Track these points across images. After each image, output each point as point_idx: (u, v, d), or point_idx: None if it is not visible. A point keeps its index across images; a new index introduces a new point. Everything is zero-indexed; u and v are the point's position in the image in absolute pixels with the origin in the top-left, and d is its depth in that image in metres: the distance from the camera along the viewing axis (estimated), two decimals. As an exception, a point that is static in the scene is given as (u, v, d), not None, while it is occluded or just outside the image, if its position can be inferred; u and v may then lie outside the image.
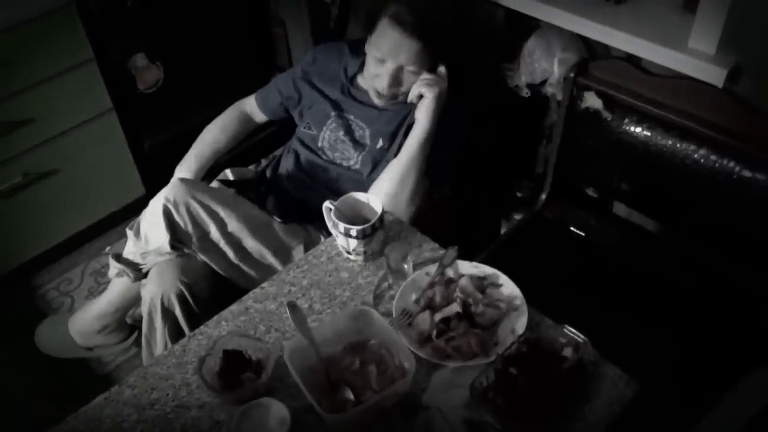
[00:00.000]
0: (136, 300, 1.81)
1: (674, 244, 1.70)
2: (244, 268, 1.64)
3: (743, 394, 1.35)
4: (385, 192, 1.59)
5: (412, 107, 1.67)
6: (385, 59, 1.65)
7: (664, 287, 1.60)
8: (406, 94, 1.67)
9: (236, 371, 1.12)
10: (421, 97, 1.63)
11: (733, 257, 1.57)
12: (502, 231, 2.03)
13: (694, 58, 1.44)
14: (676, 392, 1.39)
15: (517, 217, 1.99)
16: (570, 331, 1.13)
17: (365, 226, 1.27)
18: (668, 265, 1.65)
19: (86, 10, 2.02)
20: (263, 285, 1.31)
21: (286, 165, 1.85)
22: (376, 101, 1.73)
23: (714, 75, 1.42)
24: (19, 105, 2.00)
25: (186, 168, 1.85)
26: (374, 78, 1.69)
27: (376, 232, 1.29)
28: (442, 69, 1.67)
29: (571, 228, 1.78)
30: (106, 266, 2.27)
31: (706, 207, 1.56)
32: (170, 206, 1.57)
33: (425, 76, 1.64)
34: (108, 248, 1.80)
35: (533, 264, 1.62)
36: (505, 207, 2.04)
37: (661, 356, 1.45)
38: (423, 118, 1.62)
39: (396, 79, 1.66)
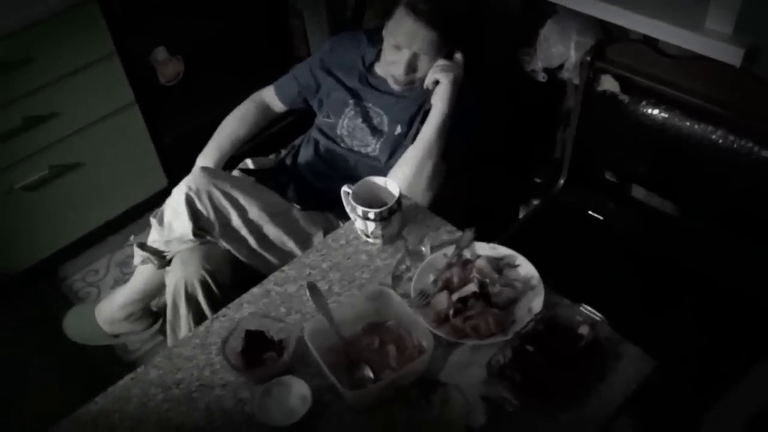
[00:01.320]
0: (160, 288, 1.85)
1: (692, 226, 1.70)
2: (265, 254, 1.67)
3: (759, 376, 1.35)
4: (403, 177, 1.61)
5: (429, 93, 1.68)
6: (401, 46, 1.66)
7: (682, 270, 1.60)
8: (423, 80, 1.69)
9: (258, 351, 1.15)
10: (437, 83, 1.65)
11: (752, 240, 1.56)
12: (520, 216, 2.04)
13: (711, 38, 1.44)
14: (690, 375, 1.39)
15: (535, 202, 1.99)
16: (587, 309, 1.14)
17: (383, 209, 1.29)
18: (686, 248, 1.64)
19: (107, 4, 2.05)
20: (283, 268, 1.34)
21: (306, 154, 1.87)
22: (394, 87, 1.75)
23: (731, 55, 1.42)
24: (43, 99, 2.04)
25: (207, 158, 1.88)
26: (391, 65, 1.71)
27: (394, 215, 1.31)
28: (458, 56, 1.68)
29: (590, 212, 1.79)
30: (131, 257, 2.31)
31: (725, 188, 1.56)
32: (193, 195, 1.60)
33: (441, 62, 1.66)
34: (132, 237, 1.83)
35: (551, 247, 1.62)
36: (523, 192, 2.04)
37: (677, 339, 1.45)
38: (440, 103, 1.63)
39: (412, 65, 1.68)
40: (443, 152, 1.65)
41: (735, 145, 1.48)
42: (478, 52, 1.74)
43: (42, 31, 1.94)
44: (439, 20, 1.61)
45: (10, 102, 1.97)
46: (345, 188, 1.36)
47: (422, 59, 1.67)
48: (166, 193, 1.71)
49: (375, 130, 1.78)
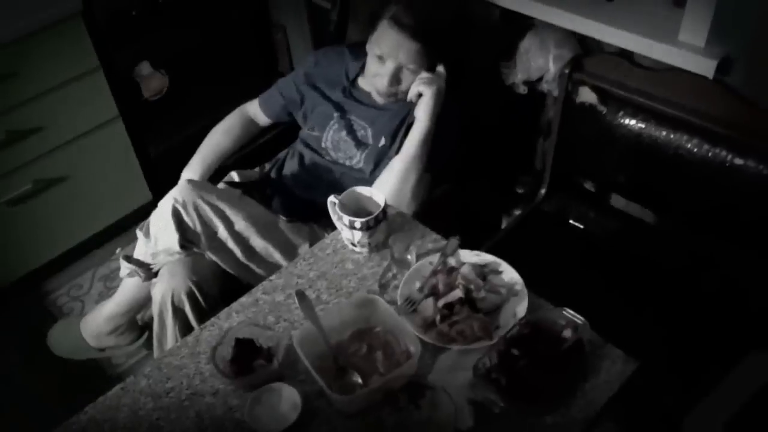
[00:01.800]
0: (146, 300, 1.85)
1: (670, 232, 1.74)
2: (252, 266, 1.68)
3: (739, 376, 1.39)
4: (388, 188, 1.63)
5: (412, 106, 1.72)
6: (385, 59, 1.69)
7: (662, 274, 1.64)
8: (406, 92, 1.72)
9: (248, 359, 1.16)
10: (420, 95, 1.68)
11: (727, 242, 1.61)
12: (503, 226, 2.07)
13: (684, 50, 1.49)
14: (673, 375, 1.43)
15: (518, 212, 2.03)
16: (569, 313, 1.16)
17: (369, 218, 1.31)
18: (665, 252, 1.69)
19: (92, 19, 2.07)
20: (271, 278, 1.35)
21: (291, 166, 1.89)
22: (377, 100, 1.78)
23: (704, 66, 1.47)
24: (27, 114, 2.04)
25: (192, 170, 1.89)
26: (375, 77, 1.74)
27: (380, 224, 1.34)
28: (440, 68, 1.71)
29: (571, 221, 1.82)
30: (115, 271, 2.33)
31: (700, 195, 1.60)
32: (179, 207, 1.61)
33: (424, 74, 1.69)
34: (118, 250, 1.84)
35: (534, 255, 1.65)
36: (506, 202, 2.08)
37: (659, 340, 1.49)
38: (422, 115, 1.66)
39: (396, 78, 1.71)
40: (426, 163, 1.68)
41: (709, 154, 1.53)
42: (461, 64, 1.78)
43: (27, 46, 1.95)
44: (424, 32, 1.65)
45: (-5, 116, 1.98)
46: (331, 198, 1.38)
47: (406, 71, 1.71)
48: (150, 207, 1.72)
49: (359, 143, 1.81)
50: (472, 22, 1.83)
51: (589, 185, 1.88)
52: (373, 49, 1.72)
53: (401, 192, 1.65)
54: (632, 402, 1.25)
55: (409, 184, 1.65)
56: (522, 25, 1.80)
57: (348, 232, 1.34)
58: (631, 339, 1.21)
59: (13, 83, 1.97)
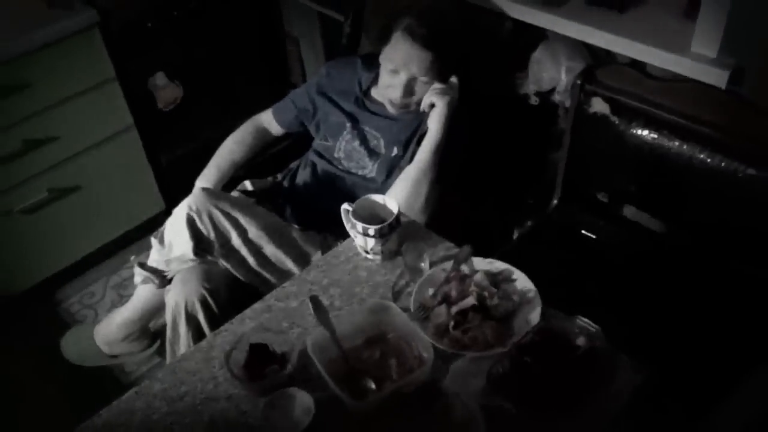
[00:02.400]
0: (159, 308, 1.86)
1: (682, 242, 1.73)
2: (264, 273, 1.69)
3: (752, 388, 1.38)
4: (400, 197, 1.64)
5: (425, 116, 1.73)
6: (399, 70, 1.71)
7: (674, 285, 1.63)
8: (419, 103, 1.73)
9: (261, 364, 1.17)
10: (432, 106, 1.70)
11: (741, 255, 1.60)
12: (514, 237, 2.07)
13: (696, 61, 1.49)
14: (686, 385, 1.42)
15: (529, 223, 2.03)
16: (583, 321, 1.16)
17: (382, 225, 1.32)
18: (676, 263, 1.68)
19: (109, 31, 2.10)
20: (285, 285, 1.36)
21: (303, 176, 1.90)
22: (391, 110, 1.79)
23: (716, 77, 1.47)
24: (44, 123, 2.07)
25: (206, 179, 1.91)
26: (388, 88, 1.76)
27: (393, 232, 1.34)
28: (453, 79, 1.73)
29: (582, 231, 1.82)
30: (128, 280, 2.35)
31: (712, 205, 1.60)
32: (193, 214, 1.63)
33: (437, 85, 1.70)
34: (133, 257, 1.86)
35: (545, 265, 1.65)
36: (517, 214, 2.08)
37: (671, 351, 1.48)
38: (435, 126, 1.68)
39: (409, 89, 1.73)
40: (438, 174, 1.69)
41: (722, 164, 1.53)
42: (472, 75, 1.79)
43: (44, 56, 1.98)
44: (436, 43, 1.66)
45: (11, 125, 2.01)
46: (345, 206, 1.39)
47: (419, 83, 1.72)
48: (163, 216, 1.74)
49: (372, 153, 1.82)
50: (481, 31, 1.84)
51: (600, 196, 1.88)
52: (386, 61, 1.73)
53: (413, 201, 1.66)
54: (644, 412, 1.24)
55: (422, 193, 1.66)
56: (534, 36, 1.81)
57: (361, 239, 1.35)
58: (642, 349, 1.21)
59: (31, 93, 2.00)
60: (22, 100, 1.99)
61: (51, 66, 2.01)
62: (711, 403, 1.34)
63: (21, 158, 2.06)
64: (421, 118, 1.76)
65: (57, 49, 2.00)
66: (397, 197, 1.64)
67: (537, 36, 1.81)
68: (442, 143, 1.68)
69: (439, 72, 1.71)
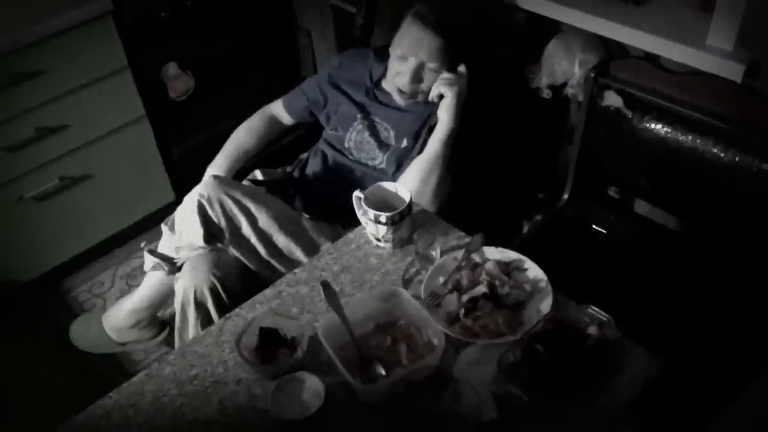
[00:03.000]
0: (168, 296, 1.87)
1: (695, 239, 1.73)
2: (274, 262, 1.69)
3: (762, 387, 1.37)
4: (410, 187, 1.63)
5: (435, 107, 1.72)
6: (407, 56, 1.71)
7: (685, 280, 1.62)
8: (427, 93, 1.73)
9: (272, 348, 1.17)
10: (441, 96, 1.69)
11: (755, 251, 1.59)
12: (524, 231, 2.07)
13: (712, 54, 1.48)
14: (697, 379, 1.41)
15: (539, 216, 2.02)
16: (594, 310, 1.16)
17: (394, 212, 1.32)
18: (689, 259, 1.67)
19: (122, 20, 2.10)
20: (295, 270, 1.36)
21: (314, 166, 1.90)
22: (398, 100, 1.79)
23: (732, 71, 1.46)
24: (56, 111, 2.08)
25: (216, 167, 1.91)
26: (396, 76, 1.75)
27: (405, 219, 1.34)
28: (462, 68, 1.72)
29: (593, 226, 1.82)
30: (137, 269, 2.36)
31: (726, 201, 1.59)
32: (204, 202, 1.63)
33: (445, 75, 1.70)
34: (143, 244, 1.86)
35: (555, 258, 1.65)
36: (527, 208, 2.07)
37: (683, 345, 1.47)
38: (445, 116, 1.67)
39: (417, 75, 1.72)
40: (449, 164, 1.69)
41: (736, 159, 1.52)
42: (483, 67, 1.79)
43: (57, 44, 1.98)
44: (446, 28, 1.66)
45: (24, 112, 2.01)
46: (357, 193, 1.39)
47: (427, 70, 1.71)
48: (172, 207, 1.74)
49: (382, 144, 1.82)
50: (495, 24, 1.84)
51: (612, 190, 1.88)
52: (395, 48, 1.73)
53: (423, 191, 1.65)
54: (655, 404, 1.23)
55: (432, 183, 1.66)
56: (548, 29, 1.80)
57: (373, 226, 1.35)
58: (654, 343, 1.21)
59: (44, 80, 2.00)
60: (35, 87, 1.99)
61: (65, 54, 2.02)
62: (722, 399, 1.33)
63: (33, 145, 2.07)
64: (431, 109, 1.75)
65: (71, 37, 2.00)
66: (407, 187, 1.64)
67: (551, 28, 1.80)
68: (453, 134, 1.67)
69: (447, 59, 1.70)
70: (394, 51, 1.74)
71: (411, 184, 1.64)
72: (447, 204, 1.71)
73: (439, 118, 1.69)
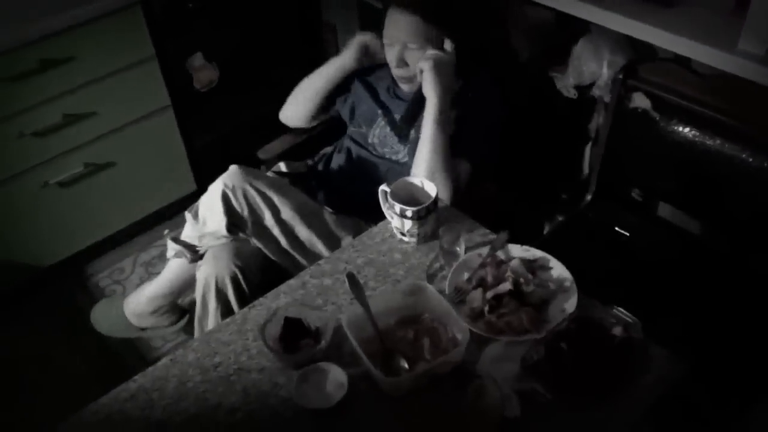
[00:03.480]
0: (189, 283, 1.88)
1: (719, 244, 1.71)
2: (295, 254, 1.70)
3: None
4: (420, 173, 1.61)
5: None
6: (392, 42, 1.72)
7: (710, 287, 1.61)
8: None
9: (296, 337, 1.18)
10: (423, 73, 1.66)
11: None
12: (545, 231, 2.06)
13: (743, 58, 1.47)
14: (720, 385, 1.40)
15: (560, 217, 2.02)
16: (620, 311, 1.16)
17: (420, 207, 1.32)
18: (712, 264, 1.66)
19: (150, 9, 2.12)
20: (319, 262, 1.37)
21: (338, 160, 1.91)
22: (404, 88, 1.80)
23: (764, 75, 1.44)
24: (83, 98, 2.10)
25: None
26: (390, 64, 1.77)
27: (430, 215, 1.34)
28: (447, 43, 1.69)
29: (615, 228, 1.81)
30: (157, 257, 2.38)
31: (753, 208, 1.58)
32: (228, 192, 1.64)
33: (427, 52, 1.67)
34: (166, 231, 1.87)
35: (577, 259, 1.64)
36: (549, 208, 2.07)
37: (706, 352, 1.46)
38: (429, 91, 1.64)
39: (401, 58, 1.72)
40: (460, 146, 1.67)
41: (765, 165, 1.51)
42: (509, 65, 1.78)
43: (87, 32, 2.00)
44: (421, 6, 1.65)
45: (52, 99, 2.03)
46: (383, 187, 1.40)
47: (410, 51, 1.70)
48: (193, 197, 1.75)
49: (402, 137, 1.82)
50: (519, 22, 1.83)
51: (635, 193, 1.87)
52: (384, 38, 1.75)
53: (433, 175, 1.60)
54: (677, 407, 1.23)
55: (438, 166, 1.61)
56: (576, 29, 1.79)
57: (398, 220, 1.35)
58: (675, 346, 1.20)
59: (72, 68, 2.02)
60: (64, 74, 2.01)
61: (93, 42, 2.03)
62: (744, 404, 1.32)
63: (60, 132, 2.09)
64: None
65: (100, 26, 2.01)
66: (418, 172, 1.62)
67: (580, 29, 1.79)
68: (443, 107, 1.63)
69: (428, 37, 1.68)
70: (384, 41, 1.75)
71: (419, 170, 1.62)
72: (469, 198, 1.70)
73: (426, 96, 1.65)
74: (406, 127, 1.76)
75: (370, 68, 1.92)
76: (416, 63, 1.69)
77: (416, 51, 1.70)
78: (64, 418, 1.12)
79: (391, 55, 1.74)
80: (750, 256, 1.64)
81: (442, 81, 1.63)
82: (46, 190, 2.14)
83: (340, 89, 1.95)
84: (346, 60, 1.88)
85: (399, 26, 1.69)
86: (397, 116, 1.83)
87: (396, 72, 1.76)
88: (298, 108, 2.00)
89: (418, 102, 1.70)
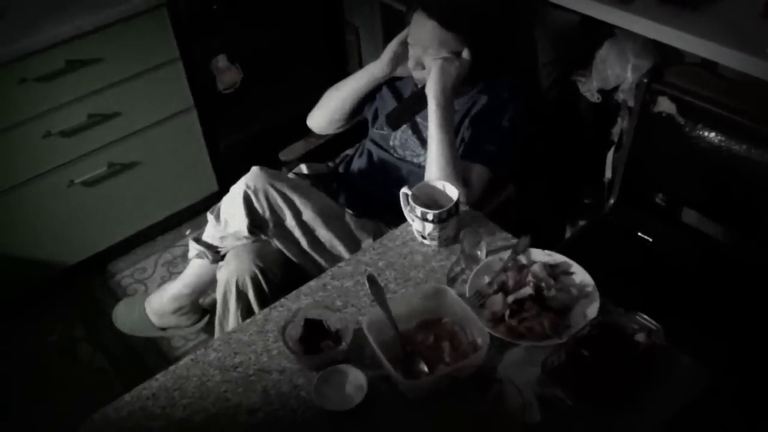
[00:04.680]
0: (210, 283, 1.89)
1: (744, 251, 1.69)
2: (315, 256, 1.70)
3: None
4: (433, 175, 1.61)
5: (471, 102, 1.73)
6: (414, 44, 1.72)
7: (735, 294, 1.59)
8: None
9: (316, 339, 1.18)
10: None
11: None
12: (567, 236, 2.05)
13: (772, 63, 1.45)
14: (742, 396, 1.38)
15: (582, 222, 2.00)
16: (643, 318, 1.14)
17: (441, 210, 1.32)
18: (738, 272, 1.64)
19: (176, 11, 2.14)
20: (340, 264, 1.37)
21: (359, 163, 1.91)
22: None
23: (793, 80, 1.43)
24: (109, 99, 2.12)
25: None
26: (410, 64, 1.77)
27: (452, 218, 1.34)
28: (465, 52, 1.69)
29: (639, 233, 1.79)
30: (179, 257, 2.40)
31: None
32: (250, 193, 1.65)
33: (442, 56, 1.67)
34: (188, 231, 1.89)
35: (599, 264, 1.63)
36: (571, 213, 2.05)
37: (730, 361, 1.44)
38: (429, 91, 1.64)
39: (418, 60, 1.72)
40: (483, 153, 1.67)
41: (792, 171, 1.49)
42: (533, 69, 1.77)
43: (112, 33, 2.03)
44: (444, 12, 1.65)
45: (78, 99, 2.06)
46: (404, 190, 1.39)
47: (428, 54, 1.70)
48: (215, 197, 1.76)
49: (424, 141, 1.82)
50: (546, 25, 1.82)
51: (659, 198, 1.84)
52: (409, 39, 1.75)
53: (444, 177, 1.60)
54: (701, 416, 1.21)
55: (449, 169, 1.60)
56: (601, 33, 1.78)
57: (419, 223, 1.35)
58: (699, 354, 1.18)
59: (98, 68, 2.05)
60: (89, 74, 2.04)
61: (119, 43, 2.06)
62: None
63: (85, 132, 2.11)
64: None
65: (126, 27, 2.04)
66: (429, 177, 1.61)
67: (604, 33, 1.78)
68: (443, 109, 1.62)
69: (446, 44, 1.67)
70: (408, 40, 1.76)
71: (431, 174, 1.61)
72: (488, 205, 1.69)
73: (426, 96, 1.65)
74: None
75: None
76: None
77: (433, 55, 1.70)
78: (87, 416, 1.14)
79: (411, 56, 1.74)
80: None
81: (444, 83, 1.63)
82: (71, 189, 2.17)
83: (367, 97, 1.95)
84: (377, 71, 1.88)
85: (420, 29, 1.69)
86: (419, 119, 1.83)
87: (414, 74, 1.77)
88: (327, 117, 2.00)
89: (416, 97, 1.71)
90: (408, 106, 1.74)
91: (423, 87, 1.68)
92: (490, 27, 1.76)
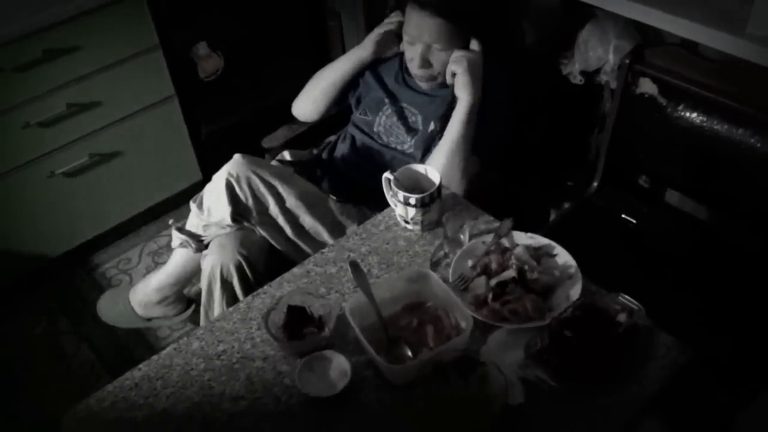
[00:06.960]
0: (195, 273, 1.88)
1: (727, 231, 1.70)
2: (300, 243, 1.70)
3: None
4: (437, 169, 1.62)
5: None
6: (414, 41, 1.70)
7: (717, 273, 1.60)
8: (443, 73, 1.71)
9: (299, 326, 1.17)
10: (454, 75, 1.67)
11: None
12: (551, 218, 2.05)
13: (752, 42, 1.44)
14: (726, 373, 1.39)
15: (567, 205, 2.00)
16: (625, 298, 1.15)
17: (424, 194, 1.31)
18: (720, 251, 1.65)
19: (154, -2, 2.11)
20: (323, 251, 1.36)
21: (342, 149, 1.90)
22: (421, 85, 1.79)
23: (773, 59, 1.43)
24: (88, 88, 2.09)
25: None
26: (410, 62, 1.75)
27: (434, 202, 1.34)
28: (474, 43, 1.68)
29: (623, 215, 1.79)
30: (163, 247, 2.38)
31: (761, 193, 1.56)
32: (233, 180, 1.64)
33: (456, 53, 1.67)
34: (171, 221, 1.87)
35: (583, 247, 1.63)
36: (555, 195, 2.06)
37: (712, 338, 1.45)
38: (463, 94, 1.65)
39: (425, 59, 1.70)
40: (474, 143, 1.67)
41: (773, 150, 1.49)
42: (514, 51, 1.77)
43: (90, 21, 1.99)
44: (446, 8, 1.63)
45: (56, 89, 2.03)
46: (387, 174, 1.39)
47: (435, 51, 1.69)
48: (199, 186, 1.74)
49: (410, 129, 1.81)
50: (529, 9, 1.82)
51: (642, 180, 1.85)
52: (404, 34, 1.73)
53: (449, 173, 1.63)
54: (683, 396, 1.22)
55: (457, 166, 1.64)
56: (582, 14, 1.77)
57: (402, 208, 1.35)
58: (682, 334, 1.19)
59: (76, 58, 2.02)
60: (67, 63, 2.01)
61: (97, 31, 2.02)
62: (751, 393, 1.31)
63: (64, 122, 2.09)
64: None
65: (104, 15, 2.00)
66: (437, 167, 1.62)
67: (586, 14, 1.77)
68: (474, 110, 1.65)
69: (454, 38, 1.67)
70: (404, 37, 1.73)
71: (438, 165, 1.63)
72: (475, 186, 1.69)
73: (458, 97, 1.67)
74: (440, 126, 1.74)
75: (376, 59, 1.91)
76: (441, 64, 1.70)
77: (441, 52, 1.69)
78: (72, 407, 1.13)
79: (412, 53, 1.72)
80: (758, 243, 1.62)
81: (476, 82, 1.64)
82: (52, 180, 2.14)
83: (351, 82, 1.94)
84: (364, 54, 1.86)
85: (423, 28, 1.67)
86: (404, 105, 1.83)
87: (418, 72, 1.74)
88: (313, 103, 1.98)
89: (450, 103, 1.71)
90: (446, 113, 1.73)
91: (452, 92, 1.67)
92: (492, 15, 1.75)
